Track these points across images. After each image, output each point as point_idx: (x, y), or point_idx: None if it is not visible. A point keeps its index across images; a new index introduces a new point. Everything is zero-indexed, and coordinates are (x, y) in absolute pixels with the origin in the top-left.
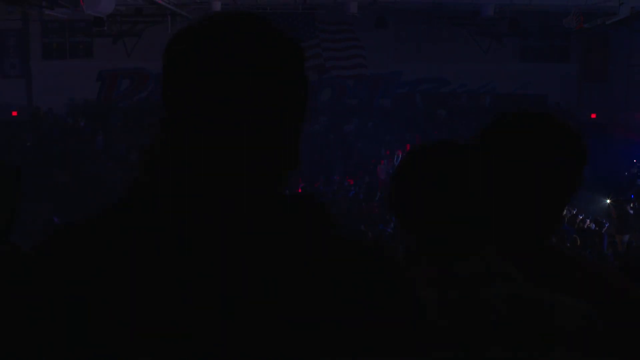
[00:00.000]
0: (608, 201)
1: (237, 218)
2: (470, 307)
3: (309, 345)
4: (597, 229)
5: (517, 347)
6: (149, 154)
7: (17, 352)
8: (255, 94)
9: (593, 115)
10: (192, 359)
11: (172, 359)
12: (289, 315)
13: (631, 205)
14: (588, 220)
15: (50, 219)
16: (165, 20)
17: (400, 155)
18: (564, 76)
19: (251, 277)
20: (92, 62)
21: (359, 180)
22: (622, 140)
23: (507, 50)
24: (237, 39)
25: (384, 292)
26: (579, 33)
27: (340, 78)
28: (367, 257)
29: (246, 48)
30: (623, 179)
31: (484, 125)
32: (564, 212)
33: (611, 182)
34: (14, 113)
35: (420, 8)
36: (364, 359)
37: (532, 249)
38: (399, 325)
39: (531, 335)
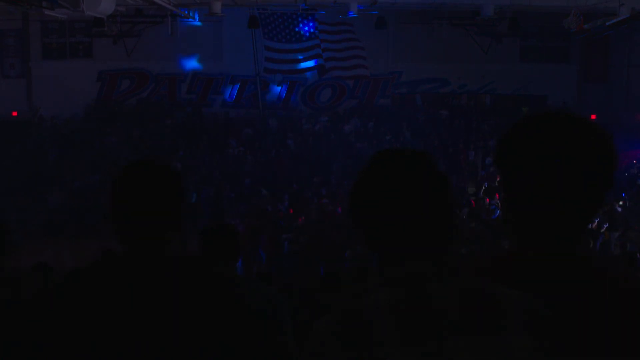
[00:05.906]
0: None
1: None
2: (417, 302)
3: None
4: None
5: (470, 332)
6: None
7: None
8: None
9: (593, 116)
10: None
11: None
12: None
13: (620, 203)
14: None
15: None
16: (165, 20)
17: None
18: (564, 76)
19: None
20: (92, 63)
21: None
22: (622, 140)
23: (507, 50)
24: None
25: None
26: (579, 33)
27: (340, 78)
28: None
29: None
30: (623, 179)
31: (511, 125)
32: (594, 215)
33: None
34: (14, 113)
35: (420, 8)
36: None
37: (561, 251)
38: None
39: (482, 321)
